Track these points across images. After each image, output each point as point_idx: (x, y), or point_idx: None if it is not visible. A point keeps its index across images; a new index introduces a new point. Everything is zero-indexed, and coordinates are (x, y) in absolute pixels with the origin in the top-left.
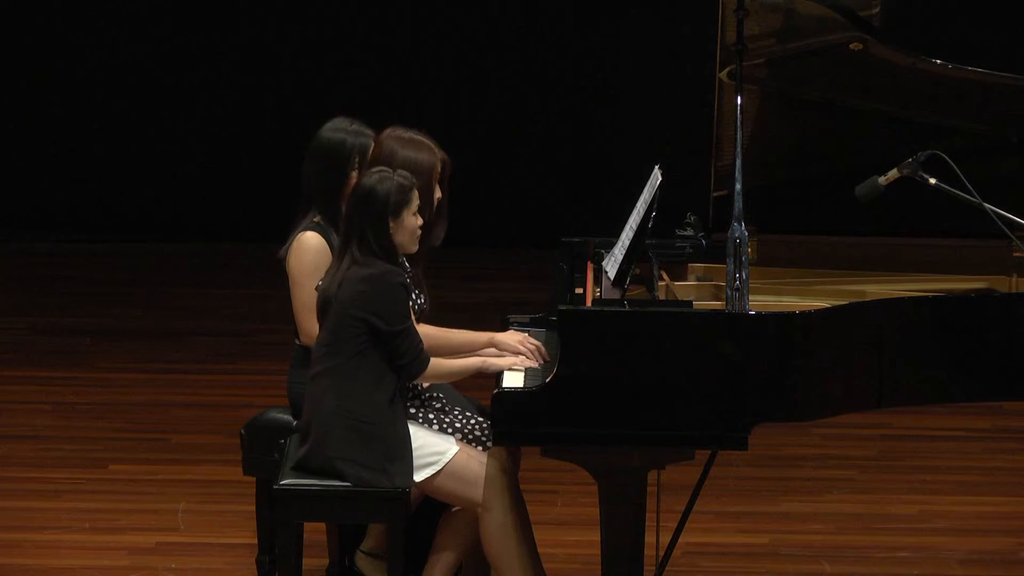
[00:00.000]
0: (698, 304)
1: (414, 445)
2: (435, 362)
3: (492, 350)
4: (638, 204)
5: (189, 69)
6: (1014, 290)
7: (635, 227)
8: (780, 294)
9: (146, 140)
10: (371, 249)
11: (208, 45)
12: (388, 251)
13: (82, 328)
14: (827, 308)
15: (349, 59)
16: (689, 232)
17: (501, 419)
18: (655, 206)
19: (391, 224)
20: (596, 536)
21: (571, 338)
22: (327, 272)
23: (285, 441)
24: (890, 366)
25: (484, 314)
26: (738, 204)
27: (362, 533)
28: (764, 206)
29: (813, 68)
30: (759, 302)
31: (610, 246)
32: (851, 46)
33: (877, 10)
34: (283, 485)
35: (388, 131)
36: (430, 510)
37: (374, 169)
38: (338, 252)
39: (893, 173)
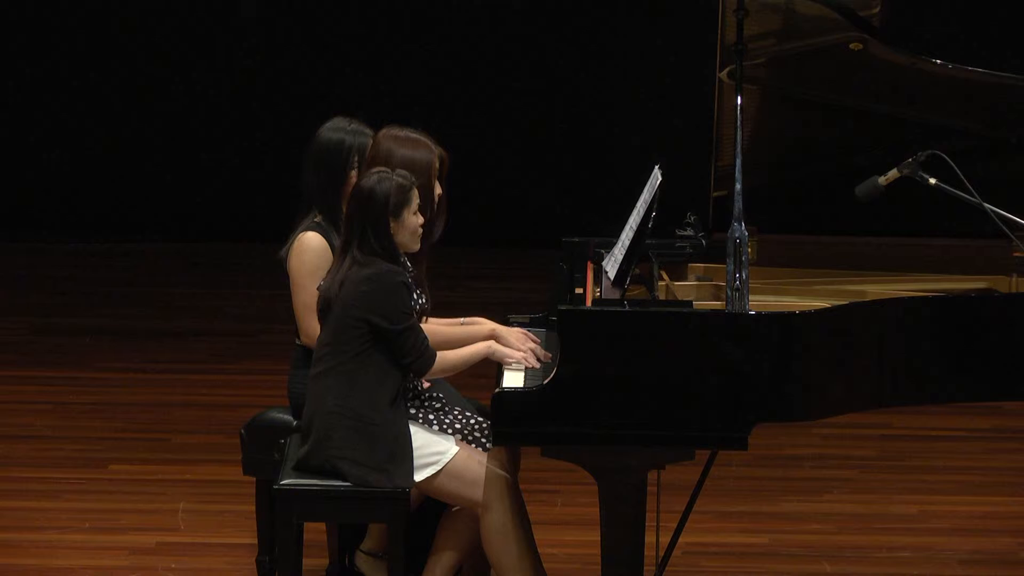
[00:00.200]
0: (698, 304)
1: (414, 445)
2: (442, 355)
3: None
4: (638, 204)
5: (190, 69)
6: (1014, 290)
7: (635, 227)
8: (780, 294)
9: (146, 140)
10: (372, 249)
11: (208, 45)
12: (389, 251)
13: (82, 328)
14: (827, 308)
15: (349, 59)
16: (689, 232)
17: (501, 419)
18: (655, 206)
19: (392, 224)
20: (596, 536)
21: (571, 338)
22: (328, 272)
23: (285, 441)
24: (890, 366)
25: (484, 314)
26: (738, 204)
27: (362, 533)
28: (764, 206)
29: (813, 68)
30: (759, 302)
31: (610, 246)
32: (851, 46)
33: (877, 10)
34: (283, 485)
35: (384, 130)
36: (430, 510)
37: (373, 169)
38: (339, 252)
39: (893, 173)
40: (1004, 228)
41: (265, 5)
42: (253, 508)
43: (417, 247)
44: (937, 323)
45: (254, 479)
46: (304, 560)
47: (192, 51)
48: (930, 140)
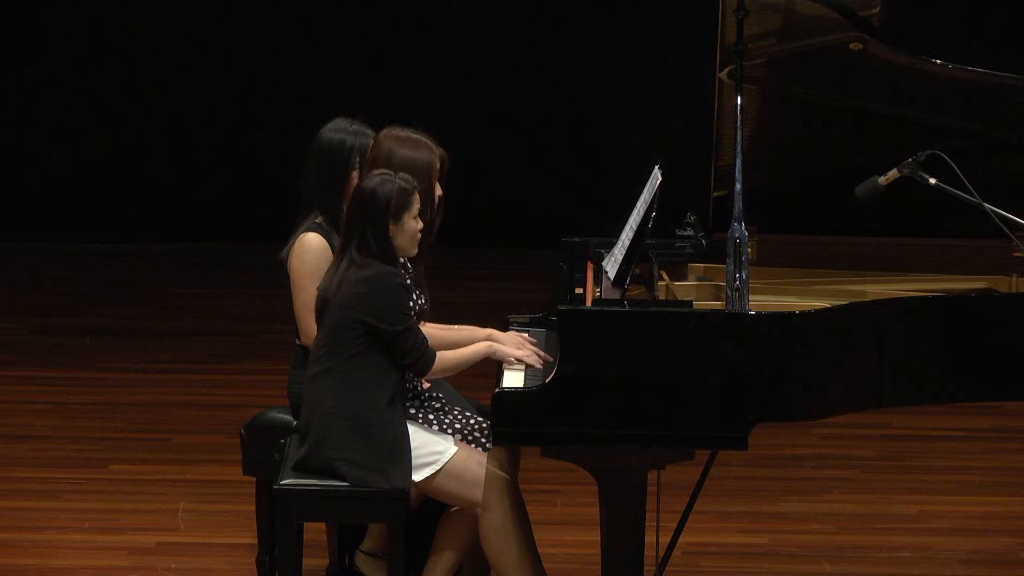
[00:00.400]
0: (698, 304)
1: (413, 445)
2: (441, 356)
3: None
4: (638, 204)
5: (190, 69)
6: (1014, 290)
7: (635, 227)
8: (780, 294)
9: (146, 140)
10: (370, 251)
11: (209, 45)
12: (387, 253)
13: (82, 328)
14: (827, 308)
15: (349, 59)
16: (689, 232)
17: (501, 419)
18: (655, 206)
19: (391, 227)
20: (596, 536)
21: (571, 338)
22: (326, 273)
23: (285, 441)
24: (890, 366)
25: (484, 314)
26: (738, 204)
27: (362, 533)
28: (764, 206)
29: (813, 68)
30: (759, 302)
31: (610, 246)
32: (851, 46)
33: (877, 10)
34: (283, 485)
35: (385, 131)
36: (430, 510)
37: (375, 171)
38: (337, 253)
39: (893, 173)
40: (1004, 228)
41: (265, 5)
42: (253, 508)
43: (415, 252)
44: (937, 323)
45: (254, 479)
46: (304, 560)
47: (192, 51)
48: (930, 140)
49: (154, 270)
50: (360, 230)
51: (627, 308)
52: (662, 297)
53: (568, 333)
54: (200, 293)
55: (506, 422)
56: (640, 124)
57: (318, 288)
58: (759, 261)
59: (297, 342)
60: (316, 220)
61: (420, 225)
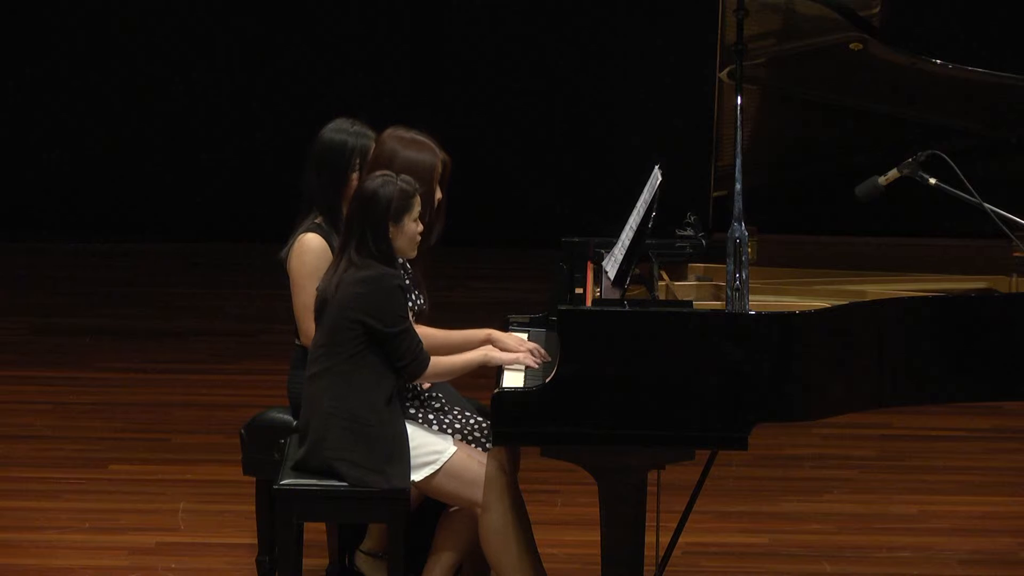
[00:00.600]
0: (698, 304)
1: (412, 445)
2: (435, 361)
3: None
4: (638, 204)
5: (190, 69)
6: (1014, 290)
7: (635, 227)
8: (780, 294)
9: (146, 140)
10: (369, 252)
11: (209, 45)
12: (386, 255)
13: (82, 328)
14: (827, 308)
15: (349, 59)
16: (689, 232)
17: (501, 419)
18: (655, 206)
19: (391, 229)
20: (596, 536)
21: (571, 338)
22: (324, 273)
23: (285, 441)
24: (890, 366)
25: (484, 314)
26: (738, 204)
27: (362, 533)
28: (764, 206)
29: (813, 68)
30: (759, 302)
31: (610, 246)
32: (851, 46)
33: (877, 10)
34: (283, 485)
35: (389, 131)
36: (430, 510)
37: (377, 173)
38: (336, 254)
39: (893, 173)
40: (1004, 228)
41: (265, 5)
42: (253, 508)
43: (414, 254)
44: (937, 323)
45: (254, 479)
46: (304, 560)
47: (192, 51)
48: (930, 140)
49: (154, 270)
50: (360, 231)
51: (627, 308)
52: (662, 297)
53: (568, 333)
54: (200, 293)
55: (506, 422)
56: (640, 124)
57: (317, 288)
58: (759, 261)
59: (297, 342)
60: (316, 220)
61: (420, 228)
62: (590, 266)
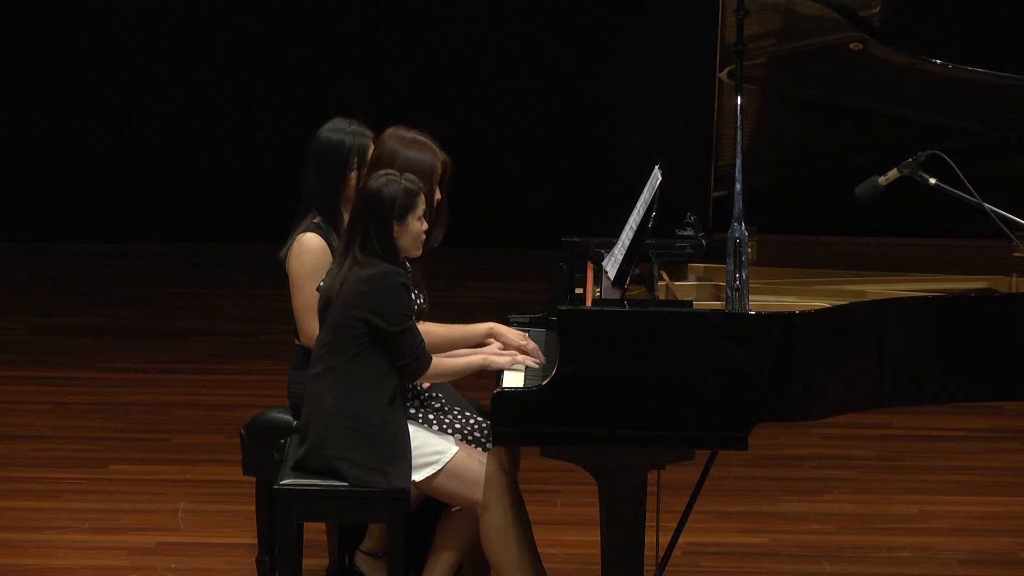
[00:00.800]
0: (698, 304)
1: (413, 445)
2: (437, 361)
3: (493, 347)
4: (638, 204)
5: (190, 69)
6: (1014, 290)
7: (635, 227)
8: (780, 294)
9: (146, 140)
10: (373, 250)
11: (209, 45)
12: (390, 253)
13: (82, 328)
14: (827, 308)
15: (349, 59)
16: (689, 232)
17: (501, 419)
18: (655, 206)
19: (395, 227)
20: (596, 536)
21: (571, 338)
22: (328, 272)
23: (285, 441)
24: (890, 366)
25: (484, 314)
26: (738, 204)
27: (362, 533)
28: (764, 206)
29: (813, 68)
30: (759, 302)
31: (610, 246)
32: (851, 46)
33: (877, 10)
34: (283, 485)
35: (390, 130)
36: (430, 510)
37: (381, 172)
38: (340, 252)
39: (893, 173)
40: (1004, 228)
41: (265, 5)
42: (253, 508)
43: (419, 253)
44: (937, 323)
45: (254, 479)
46: (304, 560)
47: (192, 51)
48: (930, 140)
49: (154, 270)
50: (364, 229)
51: (627, 308)
52: (662, 297)
53: (568, 333)
54: (200, 293)
55: (506, 422)
56: (640, 124)
57: (320, 288)
58: (759, 261)
59: (297, 342)
60: (314, 220)
61: (424, 227)
62: (590, 266)
